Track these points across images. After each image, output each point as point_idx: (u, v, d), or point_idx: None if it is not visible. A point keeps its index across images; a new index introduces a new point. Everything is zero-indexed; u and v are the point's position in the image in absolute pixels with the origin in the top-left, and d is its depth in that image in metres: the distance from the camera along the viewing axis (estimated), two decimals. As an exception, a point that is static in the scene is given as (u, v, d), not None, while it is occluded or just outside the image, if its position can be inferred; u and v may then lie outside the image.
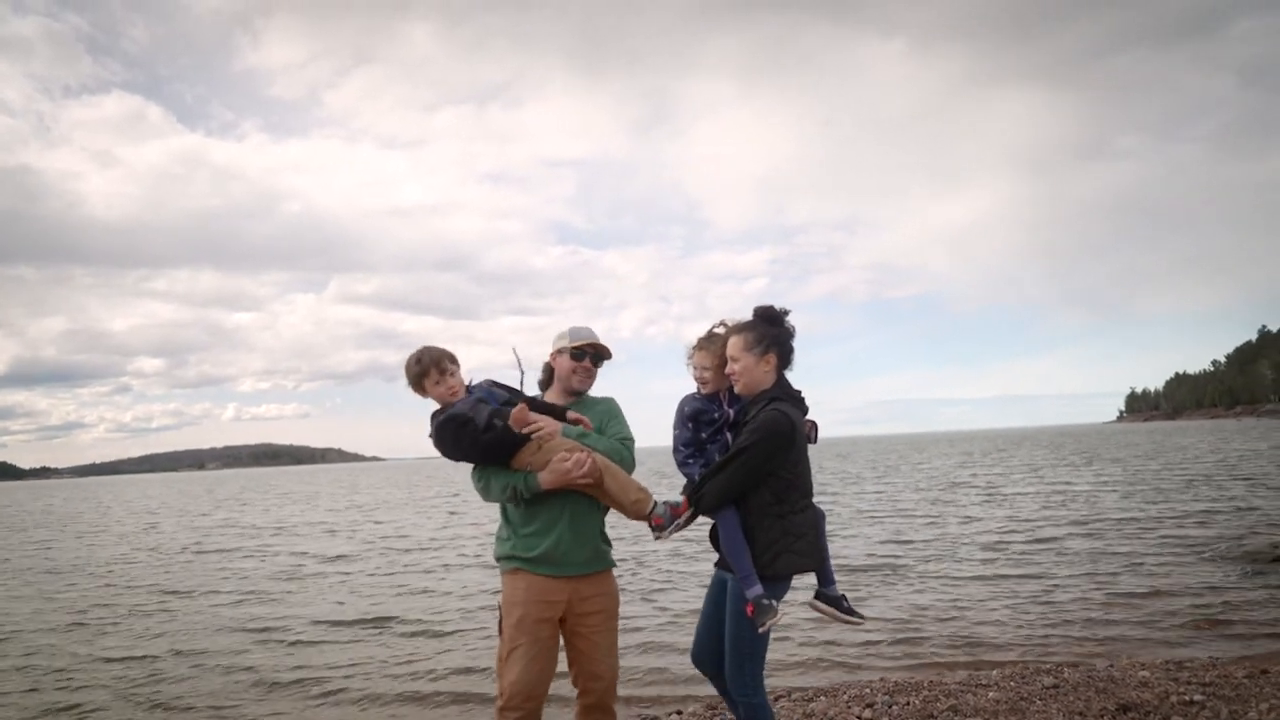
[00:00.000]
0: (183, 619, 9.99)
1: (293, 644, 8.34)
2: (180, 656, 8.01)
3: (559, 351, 3.57)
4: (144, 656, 8.07)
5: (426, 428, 3.38)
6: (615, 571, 3.57)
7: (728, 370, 3.29)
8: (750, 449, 3.09)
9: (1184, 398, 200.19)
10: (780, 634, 6.81)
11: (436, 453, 3.41)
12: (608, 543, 3.53)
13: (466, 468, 3.47)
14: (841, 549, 13.01)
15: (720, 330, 3.42)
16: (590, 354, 3.54)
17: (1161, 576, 9.65)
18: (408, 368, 3.38)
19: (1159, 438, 69.65)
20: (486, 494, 3.40)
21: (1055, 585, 9.50)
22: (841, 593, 3.40)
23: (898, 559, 11.93)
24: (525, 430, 3.22)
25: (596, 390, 3.67)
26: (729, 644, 3.26)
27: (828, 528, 3.47)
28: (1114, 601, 8.56)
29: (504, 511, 3.50)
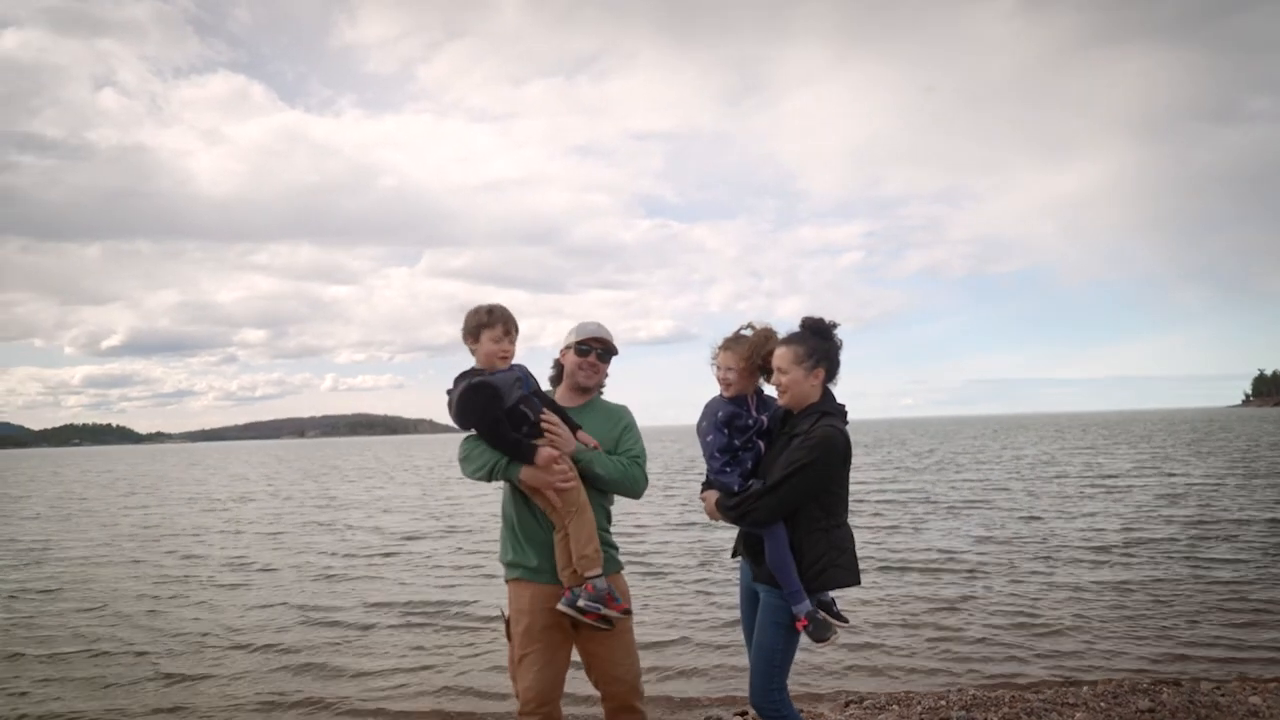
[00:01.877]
0: (242, 599, 9.99)
1: (342, 636, 8.10)
2: (224, 646, 7.82)
3: (567, 347, 3.51)
4: (193, 642, 7.94)
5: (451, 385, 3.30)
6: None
7: (774, 381, 3.30)
8: (811, 466, 3.10)
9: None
10: (842, 641, 6.34)
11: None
12: (612, 546, 3.45)
13: None
14: (929, 544, 12.31)
15: (748, 332, 3.40)
16: (597, 350, 3.47)
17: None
18: (475, 312, 3.30)
19: (1291, 425, 64.76)
20: (464, 465, 3.33)
21: (1160, 591, 8.65)
22: (832, 597, 3.36)
23: (988, 557, 11.16)
24: (543, 425, 3.22)
25: (615, 395, 3.62)
26: (759, 655, 3.26)
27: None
28: (1226, 613, 7.71)
29: (504, 517, 3.46)
